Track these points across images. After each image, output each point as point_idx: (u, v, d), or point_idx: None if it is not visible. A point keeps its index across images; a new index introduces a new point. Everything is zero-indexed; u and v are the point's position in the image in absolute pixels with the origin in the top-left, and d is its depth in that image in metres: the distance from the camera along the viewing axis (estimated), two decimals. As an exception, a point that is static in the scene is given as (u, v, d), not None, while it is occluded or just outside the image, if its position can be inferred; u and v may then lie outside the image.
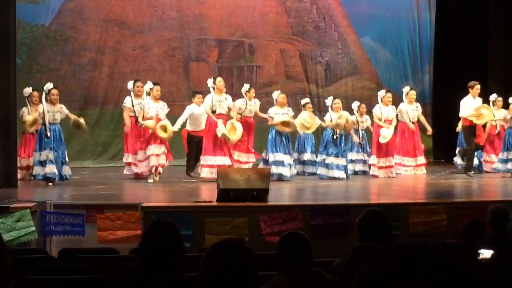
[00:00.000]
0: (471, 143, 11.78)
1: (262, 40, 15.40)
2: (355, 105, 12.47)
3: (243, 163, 11.41)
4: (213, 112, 10.77)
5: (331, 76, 15.73)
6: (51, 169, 10.00)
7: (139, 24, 14.71)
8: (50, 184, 10.08)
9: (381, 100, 12.18)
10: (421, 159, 12.48)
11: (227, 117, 10.96)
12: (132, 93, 11.19)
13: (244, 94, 11.73)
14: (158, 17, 14.82)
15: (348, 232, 7.37)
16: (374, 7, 15.76)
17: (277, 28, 15.51)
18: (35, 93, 11.05)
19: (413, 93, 12.46)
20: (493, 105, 12.37)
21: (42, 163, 10.03)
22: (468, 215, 7.54)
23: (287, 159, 11.24)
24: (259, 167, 11.14)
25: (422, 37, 16.03)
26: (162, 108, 10.90)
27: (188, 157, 11.60)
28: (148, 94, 10.94)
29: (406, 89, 12.70)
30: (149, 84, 10.96)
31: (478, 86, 11.79)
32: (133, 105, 11.08)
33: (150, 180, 10.62)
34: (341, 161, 11.46)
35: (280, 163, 11.12)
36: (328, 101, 11.93)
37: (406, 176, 12.16)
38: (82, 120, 10.59)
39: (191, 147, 11.44)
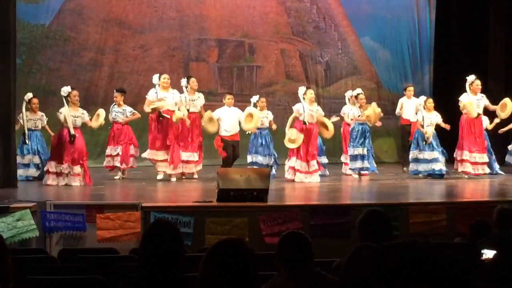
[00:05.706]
0: None
1: (262, 40, 15.39)
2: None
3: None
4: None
5: (331, 76, 15.72)
6: (33, 172, 10.97)
7: (139, 24, 14.70)
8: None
9: (349, 101, 12.21)
10: (484, 157, 11.47)
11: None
12: (158, 86, 11.07)
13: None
14: (158, 17, 14.82)
15: (348, 232, 7.38)
16: (374, 7, 15.76)
17: (277, 28, 15.50)
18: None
19: (478, 83, 11.47)
20: None
21: (25, 166, 10.95)
22: (468, 215, 7.56)
23: (266, 160, 11.14)
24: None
25: (422, 37, 16.02)
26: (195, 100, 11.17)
27: (227, 161, 11.18)
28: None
29: (470, 78, 11.59)
30: (184, 81, 11.23)
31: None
32: (157, 98, 11.01)
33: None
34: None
35: (255, 164, 10.95)
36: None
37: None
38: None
39: (229, 152, 11.14)
